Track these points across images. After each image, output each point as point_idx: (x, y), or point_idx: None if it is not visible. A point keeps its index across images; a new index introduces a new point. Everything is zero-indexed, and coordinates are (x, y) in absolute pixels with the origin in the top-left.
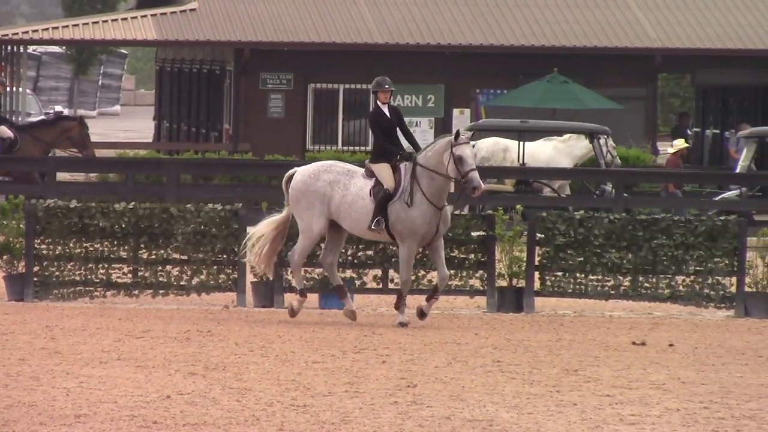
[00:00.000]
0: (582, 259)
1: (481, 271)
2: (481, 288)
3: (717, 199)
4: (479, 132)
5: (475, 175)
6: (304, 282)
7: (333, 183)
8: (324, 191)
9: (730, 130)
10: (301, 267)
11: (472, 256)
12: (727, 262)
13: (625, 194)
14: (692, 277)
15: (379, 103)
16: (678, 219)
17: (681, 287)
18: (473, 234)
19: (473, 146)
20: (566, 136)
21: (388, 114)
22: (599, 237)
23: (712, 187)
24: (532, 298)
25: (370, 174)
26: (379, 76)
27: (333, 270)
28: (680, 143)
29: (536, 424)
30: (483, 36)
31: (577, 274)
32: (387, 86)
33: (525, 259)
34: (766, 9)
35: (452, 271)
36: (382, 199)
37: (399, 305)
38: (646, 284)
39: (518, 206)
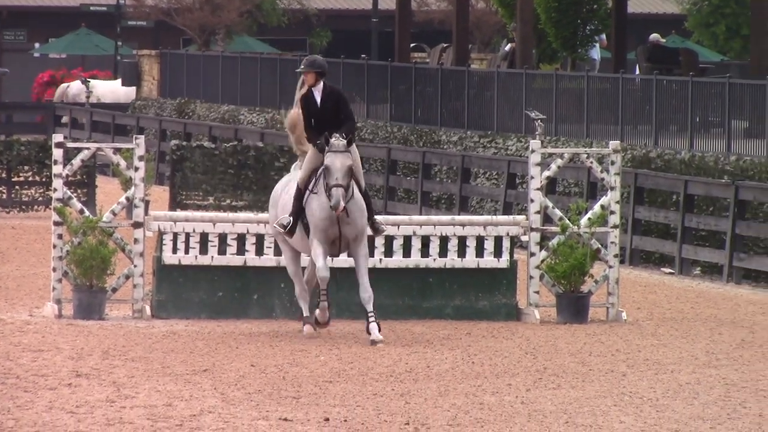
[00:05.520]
0: None
1: None
2: None
3: None
4: None
5: (337, 192)
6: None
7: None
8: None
9: None
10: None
11: None
12: None
13: None
14: None
15: (309, 86)
16: None
17: None
18: None
19: (349, 156)
20: None
21: (318, 98)
22: None
23: None
24: None
25: None
26: (309, 56)
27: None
28: None
29: None
30: None
31: None
32: (304, 67)
33: None
34: None
35: None
36: (295, 196)
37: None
38: None
39: None
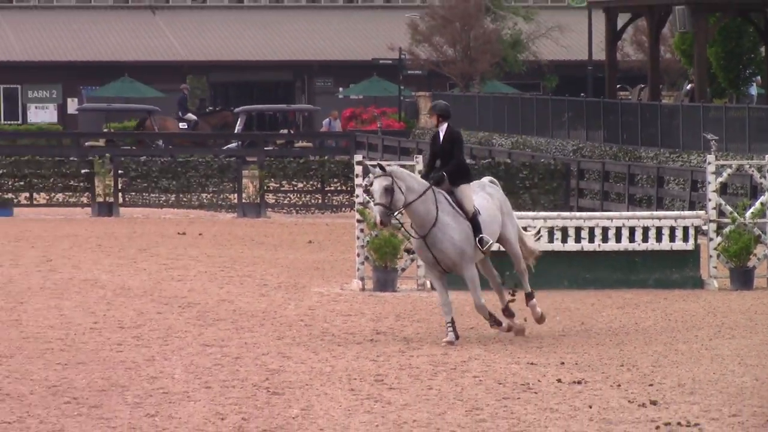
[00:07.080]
0: (146, 184)
1: (87, 193)
2: (88, 202)
3: (224, 148)
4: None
5: (374, 209)
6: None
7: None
8: None
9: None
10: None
11: (81, 184)
12: (230, 185)
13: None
14: (212, 194)
15: (435, 126)
16: (188, 160)
17: (205, 200)
18: (81, 171)
19: (387, 178)
20: None
21: (441, 138)
22: (156, 171)
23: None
24: (118, 208)
25: None
26: (437, 101)
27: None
28: None
29: (122, 279)
30: None
31: (144, 194)
32: (431, 110)
33: (112, 185)
34: None
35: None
36: None
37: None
38: (183, 199)
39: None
